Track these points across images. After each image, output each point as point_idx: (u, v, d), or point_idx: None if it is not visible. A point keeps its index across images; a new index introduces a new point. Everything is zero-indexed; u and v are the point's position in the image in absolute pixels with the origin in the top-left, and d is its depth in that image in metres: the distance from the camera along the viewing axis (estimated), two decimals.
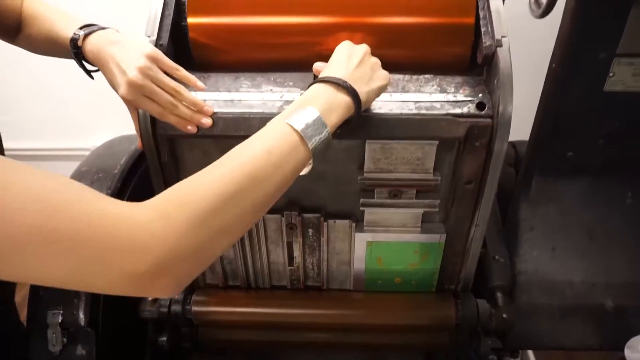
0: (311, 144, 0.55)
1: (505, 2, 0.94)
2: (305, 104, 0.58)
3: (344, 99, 0.61)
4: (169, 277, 0.46)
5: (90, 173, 1.01)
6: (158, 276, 0.44)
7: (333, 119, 0.59)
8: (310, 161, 0.59)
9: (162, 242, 0.44)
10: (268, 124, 0.57)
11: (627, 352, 0.61)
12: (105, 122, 2.43)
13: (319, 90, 0.61)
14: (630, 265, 1.00)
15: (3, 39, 0.83)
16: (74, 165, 2.48)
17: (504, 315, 0.92)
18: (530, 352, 1.44)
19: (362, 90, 0.63)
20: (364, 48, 0.69)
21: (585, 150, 0.93)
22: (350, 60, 0.66)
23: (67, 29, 0.74)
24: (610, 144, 0.92)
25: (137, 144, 1.08)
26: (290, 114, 0.57)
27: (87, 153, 2.52)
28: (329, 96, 0.60)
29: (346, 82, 0.61)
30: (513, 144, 1.20)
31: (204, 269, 0.50)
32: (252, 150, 0.53)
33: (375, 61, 0.68)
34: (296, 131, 0.55)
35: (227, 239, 0.51)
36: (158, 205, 0.47)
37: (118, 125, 2.45)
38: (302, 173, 0.59)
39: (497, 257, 0.99)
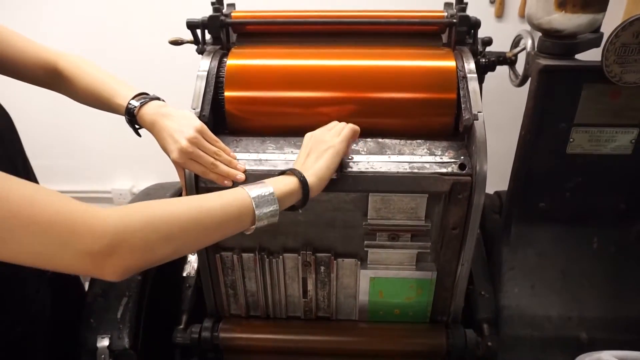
0: (258, 212, 0.72)
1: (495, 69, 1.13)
2: (265, 183, 0.77)
3: (295, 183, 0.79)
4: (119, 260, 0.58)
5: None
6: (109, 257, 0.57)
7: (284, 198, 0.76)
8: (253, 226, 0.74)
9: (116, 232, 0.57)
10: (232, 190, 0.74)
11: None
12: (123, 168, 2.64)
13: (279, 177, 0.81)
14: (600, 301, 1.14)
15: (36, 84, 0.99)
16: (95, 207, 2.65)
17: (489, 344, 1.06)
18: None
19: (309, 174, 0.81)
20: (316, 136, 0.88)
21: (554, 201, 1.10)
22: (304, 152, 0.86)
23: (117, 96, 0.92)
24: (575, 196, 1.09)
25: (171, 191, 1.26)
26: (251, 187, 0.75)
27: (108, 195, 2.71)
28: (284, 181, 0.79)
29: (299, 171, 0.80)
30: (499, 194, 1.36)
31: (148, 265, 0.62)
32: (211, 201, 0.69)
33: (327, 144, 0.86)
34: (249, 198, 0.72)
35: (170, 249, 0.64)
36: (120, 209, 0.61)
37: (135, 171, 2.65)
38: (247, 232, 0.76)
39: (483, 293, 1.14)
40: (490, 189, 1.24)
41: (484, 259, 1.21)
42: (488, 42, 1.17)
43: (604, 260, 1.14)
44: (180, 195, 1.03)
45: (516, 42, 1.20)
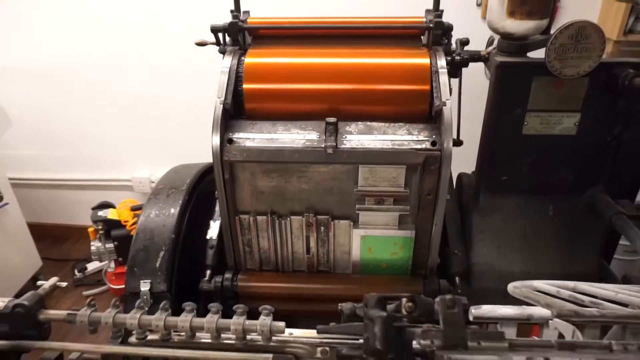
0: None
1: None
2: None
3: None
4: None
5: (165, 189, 1.41)
6: None
7: None
8: None
9: None
10: None
11: (509, 287, 0.95)
12: (142, 158, 2.89)
13: None
14: (555, 258, 1.36)
15: None
16: (116, 194, 2.92)
17: (459, 291, 1.29)
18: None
19: None
20: None
21: (515, 175, 1.32)
22: None
23: None
24: (532, 170, 1.31)
25: (196, 169, 1.50)
26: None
27: (128, 183, 2.96)
28: None
29: None
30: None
31: None
32: None
33: None
34: None
35: None
36: None
37: (152, 160, 2.90)
38: None
39: (456, 252, 1.36)
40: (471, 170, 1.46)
41: (458, 224, 1.43)
42: (465, 42, 1.39)
43: (558, 224, 1.36)
44: (205, 173, 1.27)
45: (490, 42, 1.42)
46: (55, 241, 3.17)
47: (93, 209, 2.56)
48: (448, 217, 1.40)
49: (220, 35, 1.34)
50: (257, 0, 1.49)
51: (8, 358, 0.79)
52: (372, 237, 1.27)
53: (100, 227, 2.50)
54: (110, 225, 2.49)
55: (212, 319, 0.81)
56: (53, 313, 0.83)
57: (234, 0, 1.32)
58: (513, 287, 0.92)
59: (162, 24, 2.40)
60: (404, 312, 0.63)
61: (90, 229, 2.52)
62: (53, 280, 0.89)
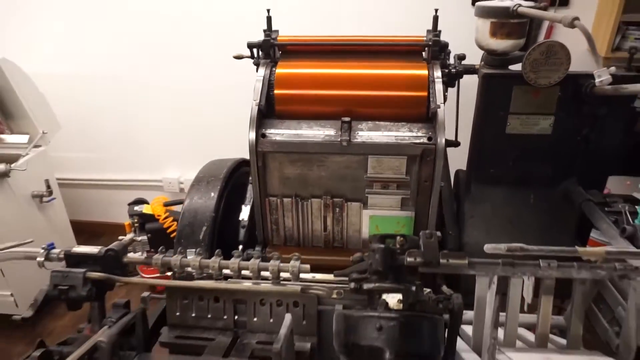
0: None
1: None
2: None
3: None
4: None
5: (205, 178, 1.68)
6: None
7: None
8: None
9: None
10: None
11: (485, 247, 1.19)
12: (172, 161, 3.17)
13: None
14: (536, 241, 1.59)
15: None
16: (148, 193, 3.19)
17: None
18: None
19: None
20: None
21: (501, 168, 1.57)
22: None
23: None
24: (515, 164, 1.55)
25: (229, 163, 1.76)
26: None
27: (159, 184, 3.24)
28: None
29: None
30: None
31: None
32: None
33: None
34: None
35: None
36: None
37: (182, 163, 3.18)
38: None
39: (451, 233, 1.60)
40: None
41: (454, 210, 1.68)
42: (462, 57, 1.65)
43: (539, 212, 1.60)
44: (237, 166, 1.54)
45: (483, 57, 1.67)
46: (92, 236, 3.44)
47: (129, 204, 2.84)
48: (445, 205, 1.65)
49: (254, 50, 1.62)
50: (285, 21, 1.77)
51: (100, 287, 1.05)
52: (379, 217, 1.52)
53: (135, 220, 2.78)
54: (145, 219, 2.76)
55: (255, 262, 1.07)
56: (133, 256, 1.09)
57: (266, 21, 1.60)
58: (487, 247, 1.15)
59: (196, 38, 2.70)
60: (398, 245, 0.88)
61: (126, 223, 2.79)
62: (130, 235, 1.15)
